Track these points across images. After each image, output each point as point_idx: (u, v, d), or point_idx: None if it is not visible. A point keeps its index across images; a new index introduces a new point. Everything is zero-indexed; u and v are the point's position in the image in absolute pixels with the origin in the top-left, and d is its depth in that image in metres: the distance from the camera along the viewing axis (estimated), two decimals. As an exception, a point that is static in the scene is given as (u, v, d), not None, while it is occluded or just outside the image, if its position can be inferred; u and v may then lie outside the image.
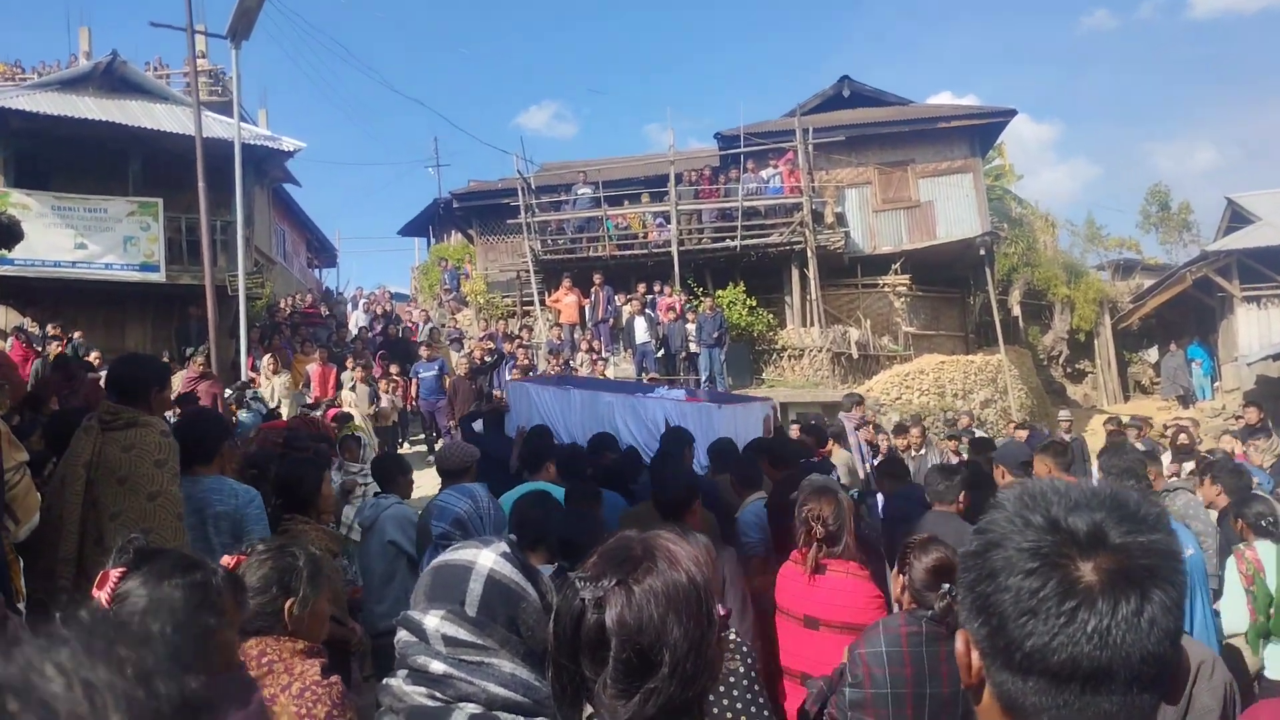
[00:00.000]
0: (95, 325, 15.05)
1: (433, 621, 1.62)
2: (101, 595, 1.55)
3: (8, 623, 2.01)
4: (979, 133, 22.25)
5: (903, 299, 21.50)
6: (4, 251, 11.67)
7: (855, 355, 19.68)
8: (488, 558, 1.67)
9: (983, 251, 21.24)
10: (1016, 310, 24.54)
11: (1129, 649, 0.98)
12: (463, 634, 1.62)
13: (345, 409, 12.75)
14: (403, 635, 1.65)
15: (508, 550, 1.69)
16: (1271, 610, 4.58)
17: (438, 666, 1.60)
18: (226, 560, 1.61)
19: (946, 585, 3.11)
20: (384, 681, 1.69)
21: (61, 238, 15.89)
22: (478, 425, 9.21)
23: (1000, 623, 1.04)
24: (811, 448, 8.66)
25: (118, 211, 16.50)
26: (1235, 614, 4.68)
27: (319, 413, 11.66)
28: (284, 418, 11.50)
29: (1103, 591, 0.99)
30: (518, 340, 17.45)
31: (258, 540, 2.37)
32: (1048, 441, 6.33)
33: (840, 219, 21.22)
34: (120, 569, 1.58)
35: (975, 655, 1.10)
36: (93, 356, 13.24)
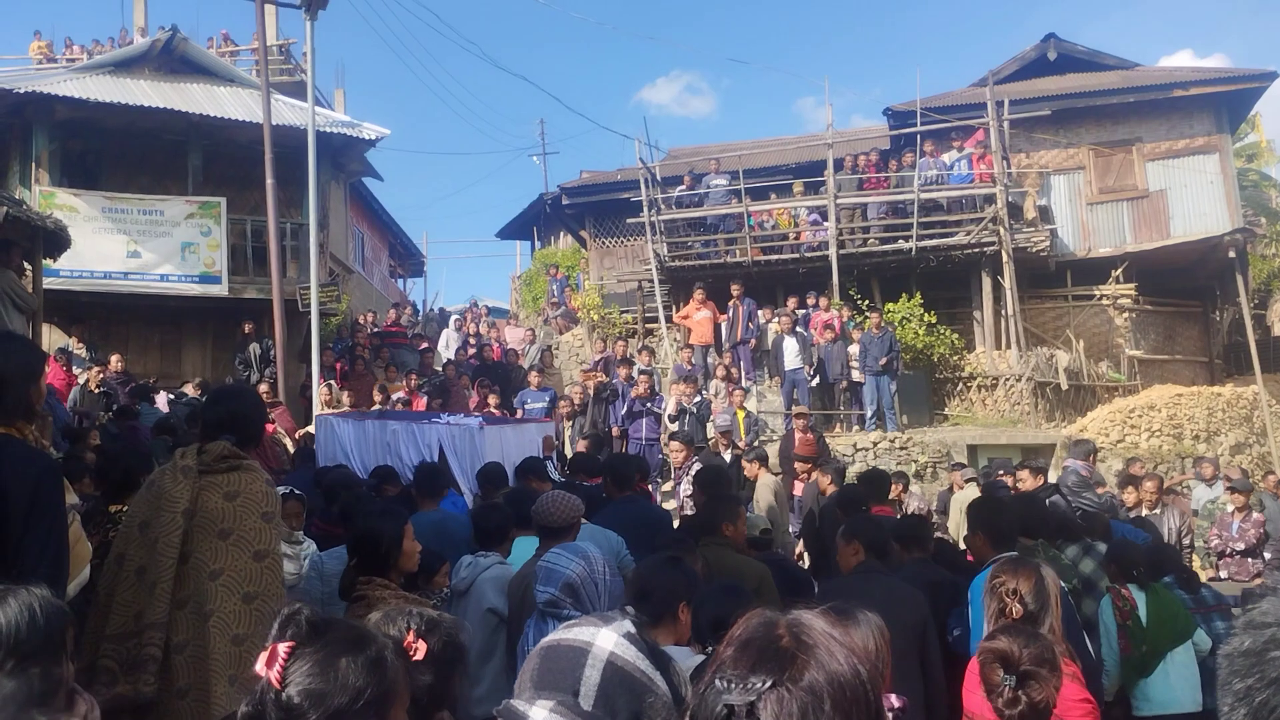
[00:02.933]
0: (149, 346, 15.89)
1: (540, 715, 1.64)
2: (271, 674, 1.64)
3: (77, 702, 2.12)
4: (1226, 102, 21.45)
5: (1126, 314, 20.84)
6: (49, 261, 12.48)
7: (1064, 385, 19.14)
8: (608, 639, 1.68)
9: (1232, 253, 20.41)
10: (1279, 328, 23.45)
11: None
12: (576, 732, 1.64)
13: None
14: (505, 730, 1.68)
15: (632, 631, 1.70)
16: (1144, 646, 6.10)
17: (545, 770, 1.62)
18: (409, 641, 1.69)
19: (1006, 677, 3.07)
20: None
21: (112, 244, 16.83)
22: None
23: None
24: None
25: (175, 214, 17.38)
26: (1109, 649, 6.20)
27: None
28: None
29: None
30: (637, 364, 17.58)
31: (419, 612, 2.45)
32: None
33: (1044, 213, 20.73)
34: (289, 644, 1.66)
35: None
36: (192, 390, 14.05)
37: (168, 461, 4.15)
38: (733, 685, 1.33)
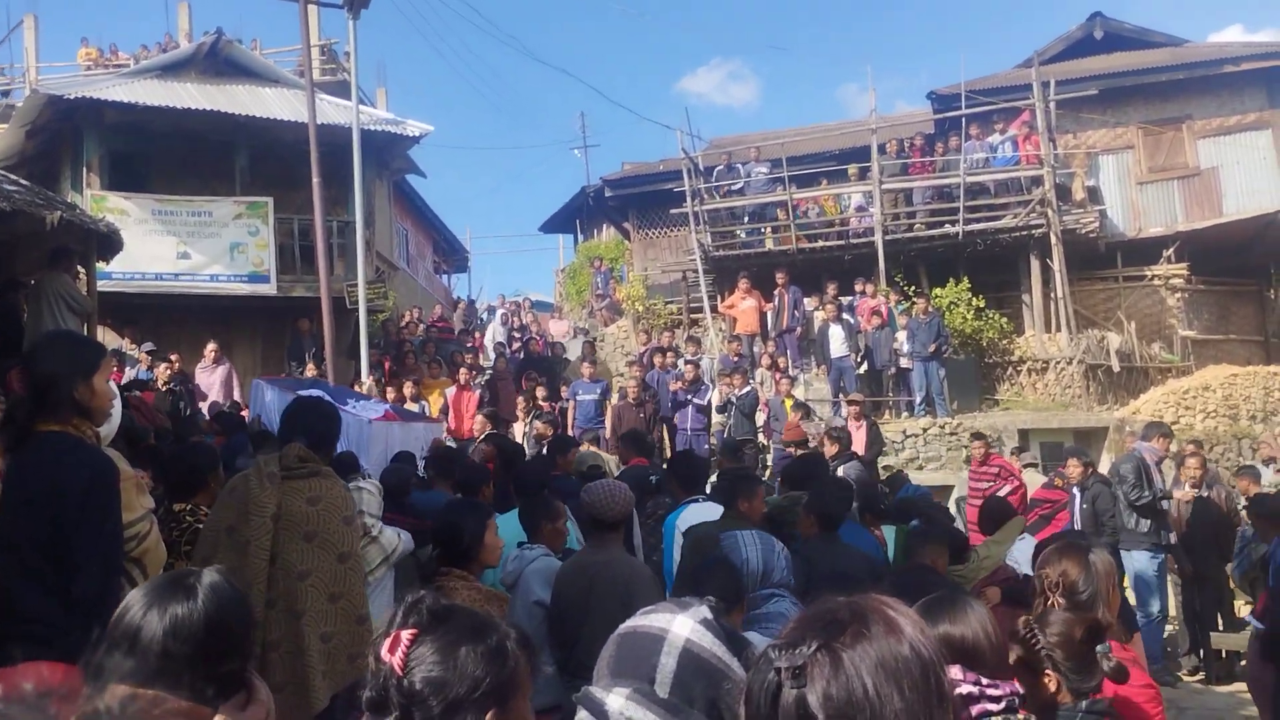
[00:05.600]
0: (200, 345, 16.01)
1: (616, 702, 1.64)
2: (394, 660, 1.66)
3: (256, 688, 2.14)
4: (1279, 77, 21.08)
5: (1179, 294, 20.55)
6: (102, 264, 12.63)
7: (1116, 368, 18.92)
8: (684, 625, 1.68)
9: (1288, 230, 20.08)
10: (1337, 306, 23.03)
11: None
12: (651, 719, 1.64)
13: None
14: (582, 716, 1.69)
15: (709, 617, 1.70)
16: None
17: (621, 757, 1.63)
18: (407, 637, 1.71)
19: (1101, 647, 3.02)
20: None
21: (163, 246, 17.05)
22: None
23: None
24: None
25: (223, 214, 17.58)
26: None
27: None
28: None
29: None
30: (678, 353, 17.51)
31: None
32: None
33: (1093, 194, 20.51)
34: (411, 631, 1.69)
35: None
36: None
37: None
38: (781, 653, 1.33)
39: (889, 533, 7.41)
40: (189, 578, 2.17)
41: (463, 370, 16.19)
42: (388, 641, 1.68)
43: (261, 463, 4.17)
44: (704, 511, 6.37)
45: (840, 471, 10.15)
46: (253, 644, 2.22)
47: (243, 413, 12.74)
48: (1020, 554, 6.46)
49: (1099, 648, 2.99)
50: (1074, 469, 11.10)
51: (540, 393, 15.75)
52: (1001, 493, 11.81)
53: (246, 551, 3.92)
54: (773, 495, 7.65)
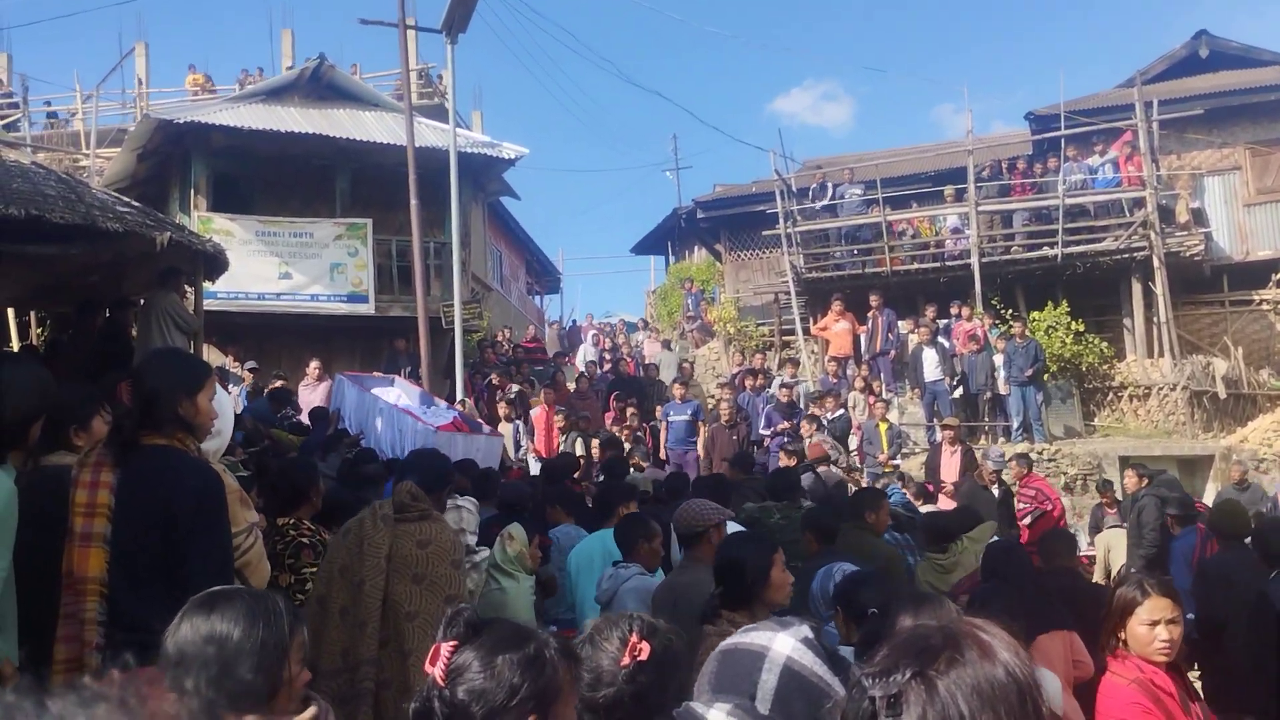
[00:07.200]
0: (300, 364, 16.34)
1: (718, 717, 1.67)
2: (436, 672, 1.75)
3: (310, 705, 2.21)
4: (1394, 94, 20.46)
5: (1289, 319, 19.99)
6: (208, 284, 12.97)
7: (1222, 394, 18.44)
8: (784, 643, 1.70)
9: (1404, 253, 19.43)
10: None
11: None
12: (752, 734, 1.66)
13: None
14: (683, 732, 1.71)
15: (810, 636, 1.72)
16: None
17: (722, 771, 1.65)
18: None
19: None
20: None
21: (265, 266, 17.46)
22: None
23: None
24: None
25: (324, 235, 17.97)
26: None
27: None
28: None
29: None
30: (769, 376, 17.43)
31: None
32: None
33: (1198, 216, 20.06)
34: (452, 642, 1.78)
35: None
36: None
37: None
38: (875, 681, 1.34)
39: None
40: (226, 593, 2.30)
41: (546, 390, 16.31)
42: (430, 654, 1.75)
43: (377, 505, 4.33)
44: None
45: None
46: (286, 664, 2.25)
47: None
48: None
49: None
50: (1130, 480, 11.14)
51: (631, 413, 15.76)
52: (1031, 518, 11.88)
53: (361, 591, 4.07)
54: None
